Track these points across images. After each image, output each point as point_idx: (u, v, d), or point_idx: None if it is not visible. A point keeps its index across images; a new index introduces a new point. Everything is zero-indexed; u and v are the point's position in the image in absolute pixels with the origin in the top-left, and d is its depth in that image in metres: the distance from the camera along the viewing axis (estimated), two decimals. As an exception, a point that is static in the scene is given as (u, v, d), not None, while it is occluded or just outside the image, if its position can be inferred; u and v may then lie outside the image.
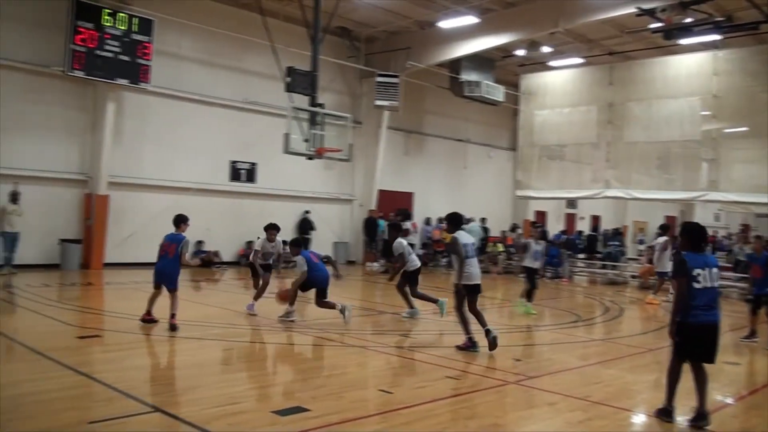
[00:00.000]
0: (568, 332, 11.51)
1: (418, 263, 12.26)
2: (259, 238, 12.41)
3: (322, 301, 10.98)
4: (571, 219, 34.37)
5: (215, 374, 7.82)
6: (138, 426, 5.52)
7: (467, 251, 9.09)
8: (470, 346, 9.09)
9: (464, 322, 9.21)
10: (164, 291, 10.06)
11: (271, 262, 12.19)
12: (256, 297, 11.73)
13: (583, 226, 32.01)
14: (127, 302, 12.55)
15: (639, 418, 6.61)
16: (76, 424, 5.48)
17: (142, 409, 5.92)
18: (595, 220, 34.88)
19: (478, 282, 9.22)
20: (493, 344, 8.91)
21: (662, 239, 16.46)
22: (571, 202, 32.77)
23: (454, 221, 9.51)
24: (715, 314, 6.12)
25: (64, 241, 17.54)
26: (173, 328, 9.72)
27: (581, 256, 25.32)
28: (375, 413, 6.25)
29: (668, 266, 15.26)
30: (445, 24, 21.32)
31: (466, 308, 9.21)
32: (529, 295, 13.40)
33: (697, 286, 6.02)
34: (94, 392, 6.64)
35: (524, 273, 13.90)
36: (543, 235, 14.71)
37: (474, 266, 9.17)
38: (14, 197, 16.24)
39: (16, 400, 6.01)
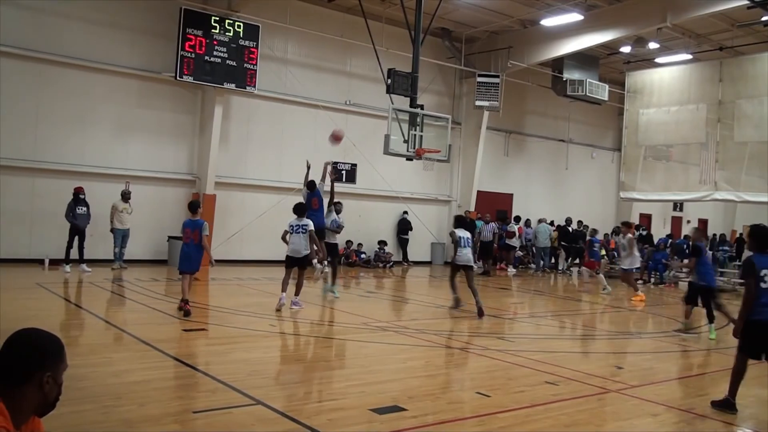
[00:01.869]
0: (672, 340, 11.09)
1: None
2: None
3: None
4: (677, 222, 33.11)
5: (315, 370, 7.98)
6: (240, 417, 5.67)
7: (461, 242, 12.39)
8: (457, 305, 12.77)
9: (452, 288, 12.91)
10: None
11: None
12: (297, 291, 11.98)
13: (690, 230, 30.73)
14: (231, 298, 13.00)
15: (748, 433, 6.31)
16: (182, 413, 5.70)
17: (245, 401, 6.09)
18: (703, 224, 33.47)
19: (467, 264, 12.49)
20: (480, 312, 11.99)
21: None
22: (678, 205, 31.56)
23: (458, 220, 13.26)
24: None
25: (172, 238, 18.27)
26: (187, 313, 10.18)
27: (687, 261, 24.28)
28: (472, 416, 6.21)
29: None
30: (548, 22, 20.96)
31: (456, 279, 12.81)
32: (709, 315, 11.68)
33: (764, 285, 6.33)
34: (199, 383, 6.89)
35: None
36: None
37: (464, 253, 12.43)
38: (125, 196, 17.00)
39: (126, 388, 6.31)
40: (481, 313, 11.98)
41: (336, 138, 13.91)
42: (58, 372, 2.55)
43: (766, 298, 6.37)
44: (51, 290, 12.71)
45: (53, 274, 15.04)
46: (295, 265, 11.67)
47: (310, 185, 13.58)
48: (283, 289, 11.56)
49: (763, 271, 6.39)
